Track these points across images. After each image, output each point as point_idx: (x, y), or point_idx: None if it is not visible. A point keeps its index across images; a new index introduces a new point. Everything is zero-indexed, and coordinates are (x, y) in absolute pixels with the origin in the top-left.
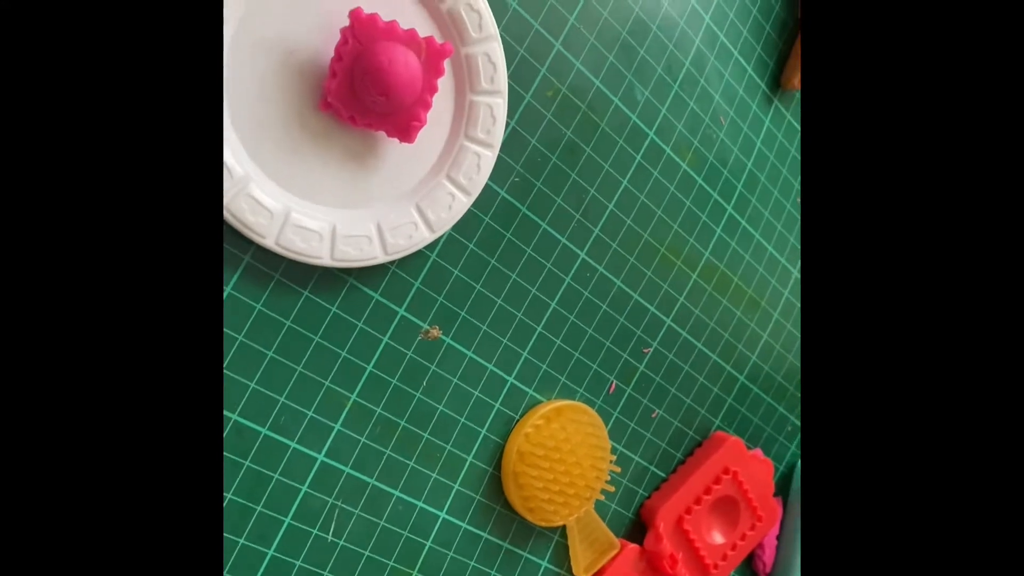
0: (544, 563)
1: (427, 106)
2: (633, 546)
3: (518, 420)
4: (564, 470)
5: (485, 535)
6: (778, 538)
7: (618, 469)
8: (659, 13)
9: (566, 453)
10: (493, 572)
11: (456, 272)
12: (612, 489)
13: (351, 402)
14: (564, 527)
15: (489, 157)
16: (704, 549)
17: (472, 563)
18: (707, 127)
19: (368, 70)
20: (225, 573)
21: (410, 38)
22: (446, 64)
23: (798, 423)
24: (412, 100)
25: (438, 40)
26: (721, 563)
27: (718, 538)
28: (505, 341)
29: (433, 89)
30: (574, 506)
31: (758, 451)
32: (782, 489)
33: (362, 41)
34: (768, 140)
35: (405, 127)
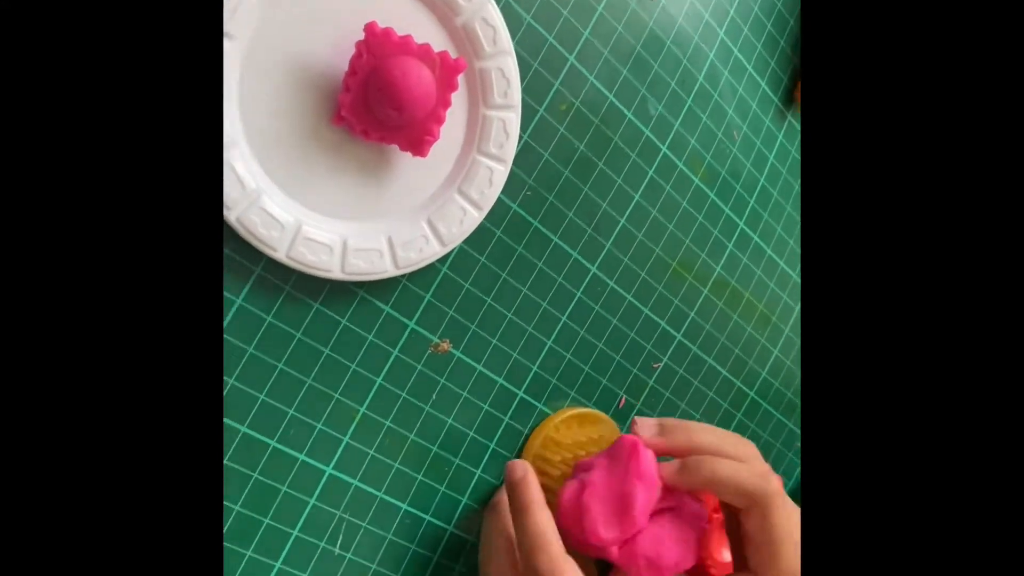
0: None
1: (440, 120)
2: None
3: (529, 432)
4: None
5: None
6: None
7: None
8: (673, 28)
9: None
10: None
11: (467, 285)
12: None
13: (360, 414)
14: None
15: (501, 172)
16: (715, 567)
17: None
18: (720, 142)
19: (382, 84)
20: None
21: (424, 53)
22: (460, 78)
23: None
24: (425, 114)
25: (452, 55)
26: None
27: (726, 556)
28: (515, 355)
29: (446, 104)
30: None
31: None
32: None
33: (376, 55)
34: (781, 155)
35: (418, 141)
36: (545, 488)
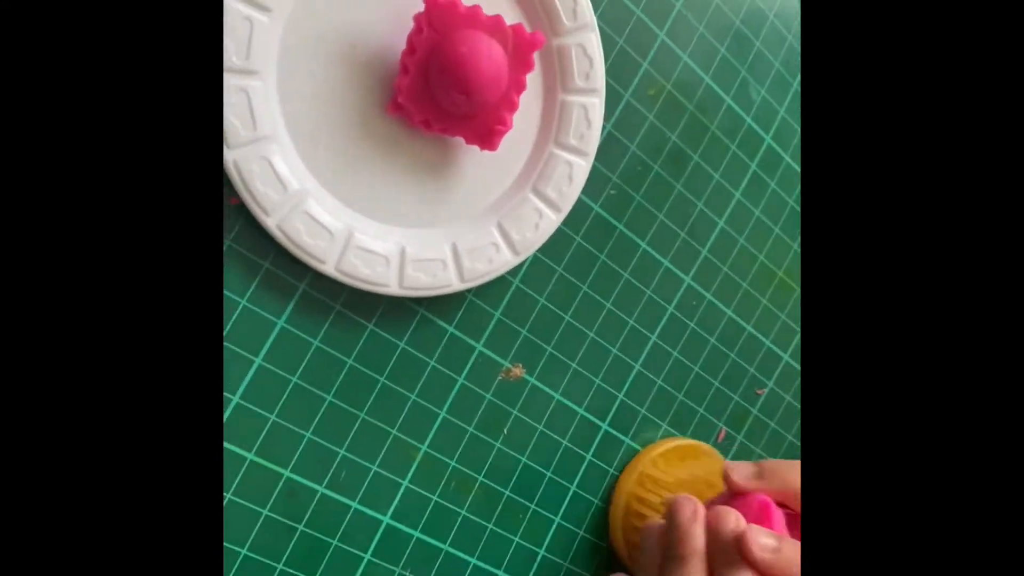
0: None
1: (513, 107)
2: None
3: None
4: None
5: None
6: None
7: None
8: None
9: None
10: None
11: (542, 300)
12: None
13: (421, 454)
14: None
15: (582, 167)
16: None
17: None
18: None
19: (446, 64)
20: None
21: (495, 26)
22: (535, 57)
23: None
24: (496, 100)
25: (527, 29)
26: None
27: None
28: (598, 381)
29: (521, 87)
30: None
31: None
32: None
33: (439, 30)
34: None
35: (487, 132)
36: (638, 531)
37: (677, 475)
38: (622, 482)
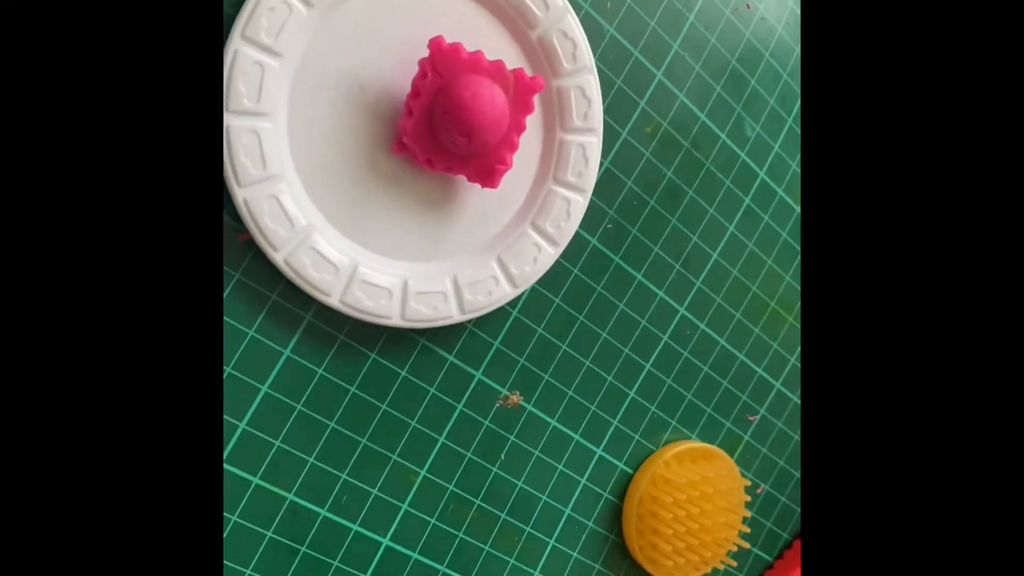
0: None
1: (513, 147)
2: None
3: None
4: (698, 512)
5: None
6: None
7: (747, 530)
8: (772, 39)
9: (701, 500)
10: None
11: (540, 330)
12: (734, 564)
13: (420, 478)
14: None
15: (580, 203)
16: None
17: None
18: None
19: (449, 107)
20: None
21: (497, 71)
22: (535, 99)
23: None
24: (497, 141)
25: (528, 73)
26: None
27: None
28: (593, 408)
29: (520, 128)
30: (695, 563)
31: None
32: None
33: (443, 74)
34: None
35: (488, 171)
36: (656, 533)
37: (688, 476)
38: (636, 482)
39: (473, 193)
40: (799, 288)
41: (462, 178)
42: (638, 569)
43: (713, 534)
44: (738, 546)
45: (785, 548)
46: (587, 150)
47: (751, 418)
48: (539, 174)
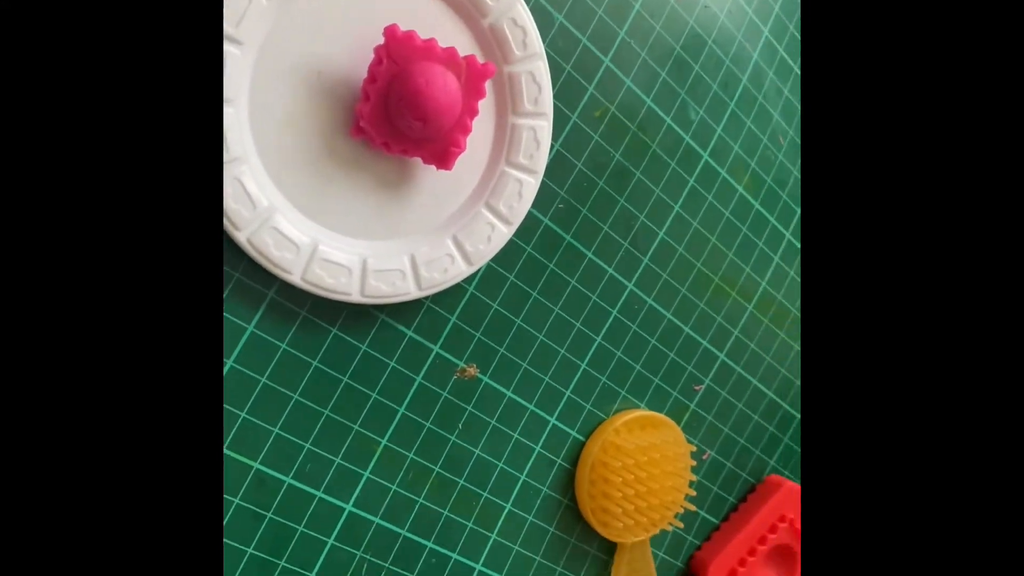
0: None
1: (466, 130)
2: None
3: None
4: (646, 477)
5: None
6: None
7: (694, 493)
8: (715, 26)
9: (649, 464)
10: None
11: (495, 306)
12: (680, 525)
13: (381, 447)
14: (615, 550)
15: (532, 184)
16: None
17: None
18: (765, 147)
19: (404, 93)
20: None
21: (450, 58)
22: (487, 84)
23: None
24: (451, 124)
25: (480, 59)
26: None
27: None
28: (547, 379)
29: (473, 112)
30: (644, 524)
31: None
32: None
33: (398, 61)
34: None
35: (443, 153)
36: (606, 496)
37: (637, 443)
38: (587, 448)
39: (429, 175)
40: (744, 265)
41: (418, 160)
42: (590, 531)
43: (661, 497)
44: (685, 508)
45: (731, 511)
46: (538, 133)
47: (696, 388)
48: (492, 156)
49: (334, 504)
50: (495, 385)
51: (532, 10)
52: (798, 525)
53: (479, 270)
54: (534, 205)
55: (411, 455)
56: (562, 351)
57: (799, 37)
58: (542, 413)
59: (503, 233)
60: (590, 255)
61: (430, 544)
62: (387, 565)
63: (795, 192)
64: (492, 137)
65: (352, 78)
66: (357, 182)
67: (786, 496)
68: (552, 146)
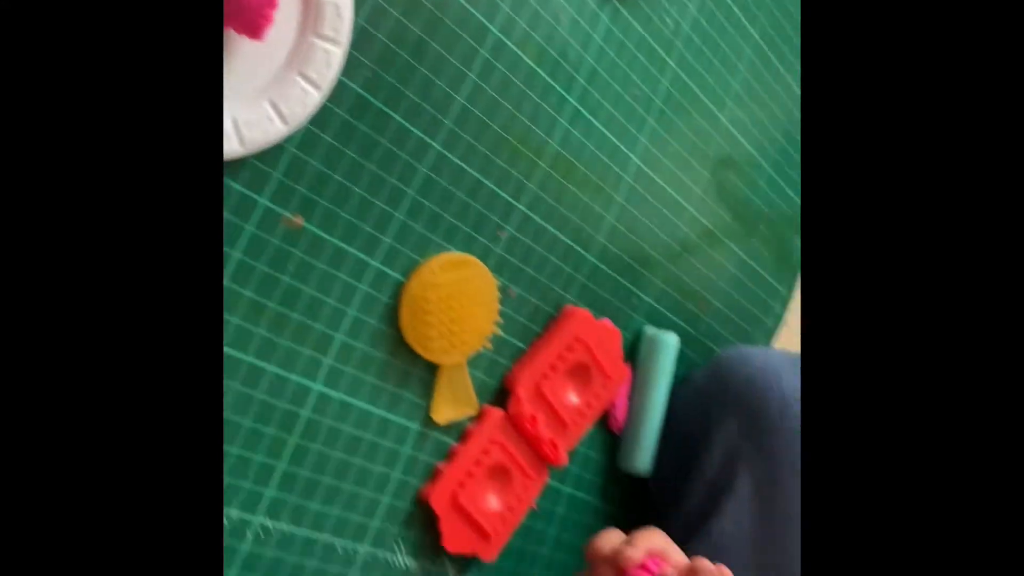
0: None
1: (273, 4)
2: (498, 410)
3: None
4: (458, 306)
5: (356, 402)
6: (628, 398)
7: (501, 320)
8: None
9: (461, 296)
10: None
11: (315, 163)
12: (490, 347)
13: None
14: (437, 374)
15: (337, 54)
16: (561, 409)
17: (344, 427)
18: (548, 25)
19: None
20: None
21: None
22: None
23: (643, 296)
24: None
25: None
26: (578, 420)
27: (574, 398)
28: (368, 228)
29: None
30: (460, 347)
31: (606, 321)
32: (630, 355)
33: None
34: (608, 37)
35: (253, 25)
36: (426, 324)
37: (448, 279)
38: (408, 285)
39: (244, 45)
40: (536, 128)
41: (231, 31)
42: (415, 355)
43: (472, 323)
44: (495, 334)
45: (535, 338)
46: (340, 9)
47: (500, 233)
48: (300, 28)
49: None
50: (321, 234)
51: None
52: (591, 345)
53: (298, 131)
54: (344, 74)
55: (248, 292)
56: (380, 204)
57: None
58: (366, 257)
59: (315, 97)
60: (398, 118)
61: (271, 367)
62: (234, 384)
63: (577, 63)
64: (299, 10)
65: None
66: None
67: (579, 321)
68: (356, 20)
